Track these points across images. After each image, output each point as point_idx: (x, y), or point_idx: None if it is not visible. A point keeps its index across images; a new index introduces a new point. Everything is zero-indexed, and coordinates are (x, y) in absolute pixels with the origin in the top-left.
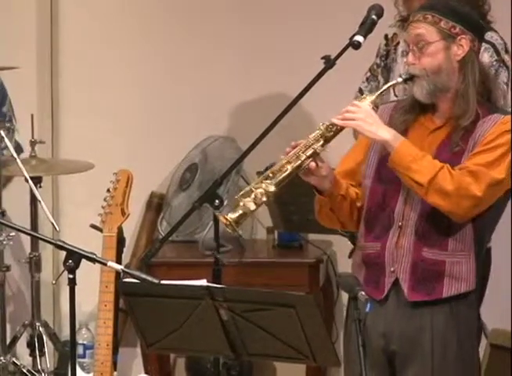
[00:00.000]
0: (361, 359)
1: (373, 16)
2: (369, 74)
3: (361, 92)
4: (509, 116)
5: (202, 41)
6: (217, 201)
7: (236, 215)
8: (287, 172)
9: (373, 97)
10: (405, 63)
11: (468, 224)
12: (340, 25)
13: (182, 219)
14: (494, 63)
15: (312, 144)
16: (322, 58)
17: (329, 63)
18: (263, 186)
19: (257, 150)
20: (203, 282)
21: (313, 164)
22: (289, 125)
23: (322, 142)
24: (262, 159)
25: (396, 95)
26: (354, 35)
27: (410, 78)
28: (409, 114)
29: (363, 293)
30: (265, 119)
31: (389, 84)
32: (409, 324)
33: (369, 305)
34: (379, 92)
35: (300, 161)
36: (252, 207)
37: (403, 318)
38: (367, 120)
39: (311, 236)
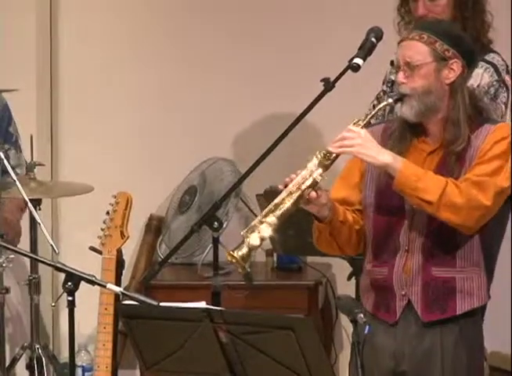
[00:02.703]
0: None
1: (373, 39)
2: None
3: (384, 93)
4: (499, 124)
5: (200, 63)
6: (216, 224)
7: (243, 251)
8: (290, 204)
9: (366, 120)
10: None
11: (475, 238)
12: (340, 47)
13: (181, 242)
14: (494, 83)
15: (311, 173)
16: (322, 80)
17: (329, 85)
18: (267, 220)
19: (256, 173)
20: (202, 304)
21: (314, 193)
22: (288, 148)
23: (320, 170)
24: (261, 181)
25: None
26: (353, 58)
27: (400, 98)
28: (402, 143)
29: (362, 315)
30: (264, 142)
31: (380, 105)
32: (420, 344)
33: (367, 327)
34: (371, 114)
35: (300, 192)
36: (257, 242)
37: (413, 339)
38: (366, 145)
39: (311, 259)
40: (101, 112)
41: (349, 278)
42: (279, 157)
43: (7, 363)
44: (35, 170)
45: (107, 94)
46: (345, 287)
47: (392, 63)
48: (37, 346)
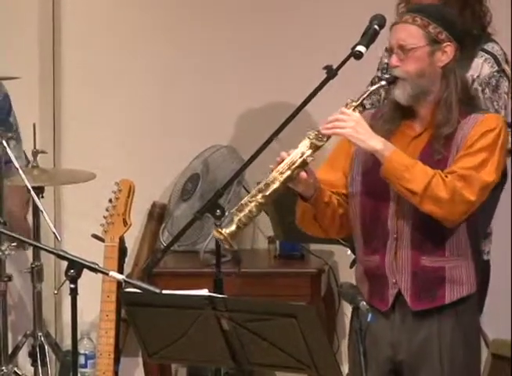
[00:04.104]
0: (362, 368)
1: (375, 26)
2: (385, 60)
3: (379, 79)
4: (488, 114)
5: (203, 51)
6: (218, 211)
7: (232, 229)
8: (279, 183)
9: (358, 102)
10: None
11: (462, 227)
12: (343, 34)
13: (184, 229)
14: (495, 73)
15: (302, 154)
16: (324, 68)
17: (331, 73)
18: (257, 198)
19: (259, 160)
20: (204, 292)
21: (304, 173)
22: (291, 135)
23: (311, 151)
24: (264, 169)
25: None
26: (356, 45)
27: (393, 81)
28: (391, 124)
29: (364, 303)
30: (266, 129)
31: (373, 87)
32: (417, 334)
33: (370, 315)
34: (364, 96)
35: (290, 172)
36: (247, 220)
37: (410, 328)
38: (357, 129)
39: (313, 247)
40: (103, 100)
41: (351, 266)
42: (281, 145)
43: (9, 351)
44: (38, 158)
45: (109, 82)
46: (348, 275)
47: (387, 49)
48: (40, 334)
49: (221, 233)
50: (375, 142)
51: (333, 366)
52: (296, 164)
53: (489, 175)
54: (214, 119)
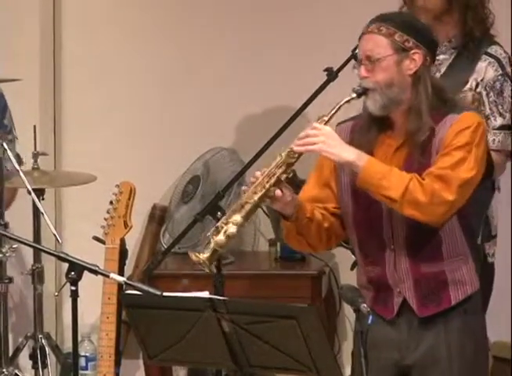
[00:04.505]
0: (363, 370)
1: None
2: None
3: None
4: (464, 113)
5: (204, 52)
6: (219, 213)
7: (208, 253)
8: (254, 203)
9: (329, 116)
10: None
11: (455, 227)
12: (344, 36)
13: (185, 231)
14: (499, 77)
15: (275, 172)
16: (325, 70)
17: (332, 75)
18: (232, 219)
19: (260, 163)
20: (205, 294)
21: (278, 191)
22: (291, 137)
23: (284, 168)
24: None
25: None
26: (356, 47)
27: (364, 92)
28: (370, 134)
29: (365, 305)
30: (267, 131)
31: (344, 100)
32: (424, 338)
33: (371, 317)
34: (335, 109)
35: (265, 190)
36: (223, 243)
37: (417, 332)
38: (329, 142)
39: None
40: (104, 102)
41: (352, 268)
42: (282, 147)
43: (10, 353)
44: (38, 160)
45: (110, 84)
46: (348, 277)
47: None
48: (41, 336)
49: (198, 258)
50: (347, 154)
51: (334, 368)
52: (270, 183)
53: (467, 171)
54: (215, 121)
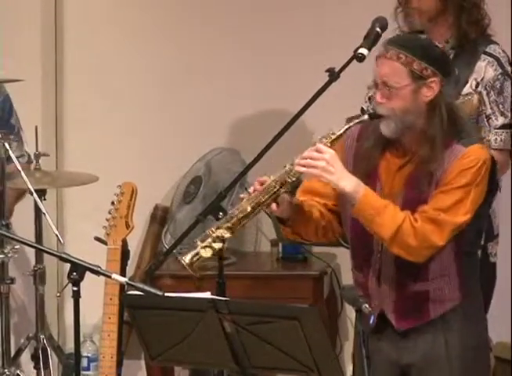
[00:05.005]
0: (365, 370)
1: (378, 29)
2: (370, 93)
3: (363, 111)
4: (470, 147)
5: (206, 53)
6: (221, 214)
7: (189, 258)
8: (246, 213)
9: (334, 138)
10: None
11: (446, 249)
12: (345, 37)
13: (186, 232)
14: (499, 76)
15: (274, 187)
16: (327, 71)
17: (334, 75)
18: (224, 227)
19: (262, 163)
20: (207, 294)
21: (274, 205)
22: (292, 137)
23: (283, 186)
24: (266, 172)
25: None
26: (358, 48)
27: (376, 117)
28: (376, 149)
29: (367, 305)
30: (269, 132)
31: (355, 121)
32: (422, 339)
33: (372, 317)
34: (343, 129)
35: (261, 203)
36: (208, 253)
37: (414, 333)
38: (329, 168)
39: (316, 249)
40: (105, 102)
41: None
42: (284, 147)
43: (12, 354)
44: (40, 160)
45: (112, 84)
46: (350, 277)
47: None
48: (43, 337)
49: (184, 262)
50: (345, 184)
51: (336, 368)
52: (267, 196)
53: (462, 216)
54: (217, 121)
